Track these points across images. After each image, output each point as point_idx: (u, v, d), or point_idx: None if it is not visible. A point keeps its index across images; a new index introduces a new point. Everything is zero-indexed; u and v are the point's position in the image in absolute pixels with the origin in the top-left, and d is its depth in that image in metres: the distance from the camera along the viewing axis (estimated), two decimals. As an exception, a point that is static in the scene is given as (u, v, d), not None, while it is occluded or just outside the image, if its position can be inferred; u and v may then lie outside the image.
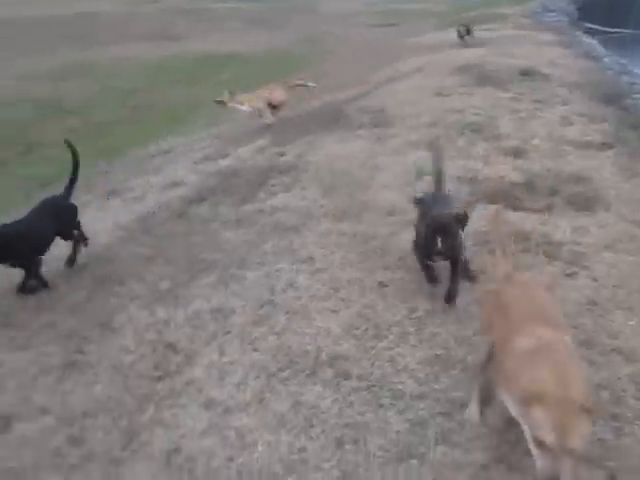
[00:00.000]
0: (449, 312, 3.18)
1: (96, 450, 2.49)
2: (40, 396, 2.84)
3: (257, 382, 2.78)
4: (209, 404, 2.67)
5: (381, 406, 2.63)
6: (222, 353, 2.97)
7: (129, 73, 14.16)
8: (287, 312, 3.26)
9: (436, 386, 2.74)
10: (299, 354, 2.94)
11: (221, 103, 7.54)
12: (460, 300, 3.25)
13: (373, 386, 2.74)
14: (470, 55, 11.02)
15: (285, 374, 2.82)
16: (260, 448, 2.42)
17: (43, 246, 4.00)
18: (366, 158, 5.44)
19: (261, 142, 6.66)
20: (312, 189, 4.86)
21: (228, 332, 3.13)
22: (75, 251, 4.23)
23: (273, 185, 5.05)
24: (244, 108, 7.54)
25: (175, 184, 5.68)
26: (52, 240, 4.06)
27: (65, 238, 4.21)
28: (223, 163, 6.06)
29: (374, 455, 2.41)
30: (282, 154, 5.89)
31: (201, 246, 4.10)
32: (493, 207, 4.45)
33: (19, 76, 14.01)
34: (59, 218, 4.12)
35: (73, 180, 4.33)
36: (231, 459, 2.39)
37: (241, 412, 2.61)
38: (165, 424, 2.59)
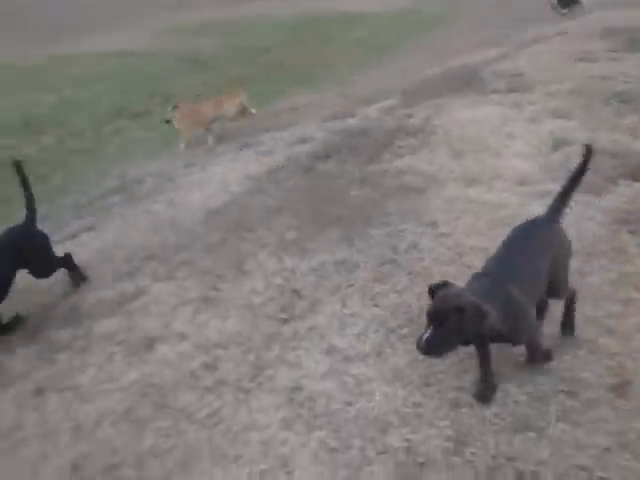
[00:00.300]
0: (582, 290, 3.03)
1: (227, 378, 2.73)
2: (179, 324, 3.15)
3: (376, 335, 2.86)
4: (330, 350, 2.80)
5: (500, 375, 2.60)
6: (344, 305, 3.08)
7: (262, 30, 14.53)
8: (409, 273, 3.29)
9: (561, 364, 2.65)
10: (419, 314, 2.97)
11: (169, 122, 7.09)
12: (595, 279, 3.08)
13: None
14: (620, 16, 9.98)
15: (404, 331, 2.88)
16: (377, 397, 2.52)
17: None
18: (499, 124, 5.20)
19: (390, 102, 6.59)
20: (440, 153, 4.77)
21: (351, 285, 3.23)
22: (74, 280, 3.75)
23: (400, 147, 5.02)
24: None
25: (303, 140, 5.82)
26: (11, 283, 3.38)
27: (37, 276, 3.59)
28: (351, 122, 6.10)
29: (489, 421, 2.41)
30: (410, 116, 5.80)
31: (326, 201, 4.21)
32: (638, 184, 4.12)
33: (161, 31, 14.93)
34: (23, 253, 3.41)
35: (30, 201, 3.62)
36: (349, 404, 2.50)
37: (360, 361, 2.71)
38: (289, 363, 2.77)
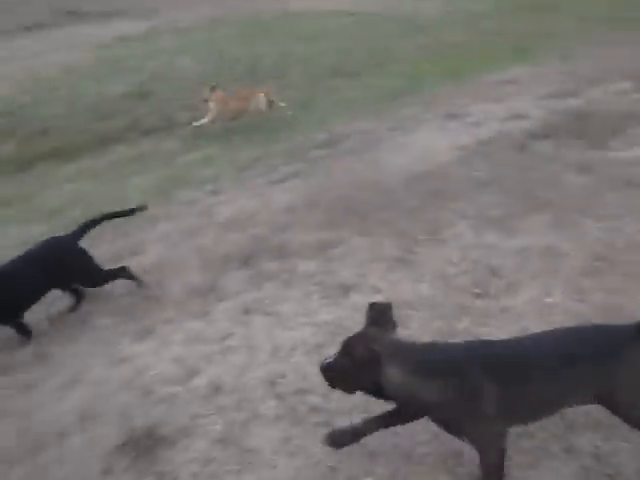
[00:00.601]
0: None
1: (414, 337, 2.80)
2: (373, 277, 3.29)
3: (577, 331, 2.69)
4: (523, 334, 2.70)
5: None
6: (546, 293, 2.94)
7: (484, -4, 13.85)
8: (624, 273, 3.00)
9: None
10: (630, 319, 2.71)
11: (206, 102, 7.14)
12: None
13: None
14: None
15: (609, 334, 2.66)
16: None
17: (27, 302, 3.40)
18: None
19: (621, 85, 5.93)
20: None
21: (555, 274, 3.06)
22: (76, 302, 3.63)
23: (633, 135, 4.51)
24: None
25: (517, 116, 5.54)
26: (43, 294, 3.46)
27: (63, 289, 3.59)
28: (573, 102, 5.63)
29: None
30: (649, 102, 5.17)
31: (538, 183, 3.99)
32: None
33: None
34: (58, 266, 3.41)
35: (94, 223, 3.64)
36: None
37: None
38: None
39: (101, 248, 4.30)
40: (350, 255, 3.54)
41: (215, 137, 7.08)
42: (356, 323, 2.91)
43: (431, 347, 1.91)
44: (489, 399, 1.78)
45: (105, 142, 7.43)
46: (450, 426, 1.93)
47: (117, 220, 4.89)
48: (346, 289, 3.21)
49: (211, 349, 2.92)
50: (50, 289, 3.48)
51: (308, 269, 3.46)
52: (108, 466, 2.42)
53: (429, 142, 5.35)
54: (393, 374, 1.80)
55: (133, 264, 3.99)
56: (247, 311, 3.18)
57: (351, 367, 1.87)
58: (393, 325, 1.97)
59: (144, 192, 5.62)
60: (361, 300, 3.11)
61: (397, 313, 2.90)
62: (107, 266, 3.72)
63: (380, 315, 1.97)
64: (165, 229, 4.58)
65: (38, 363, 3.13)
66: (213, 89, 7.30)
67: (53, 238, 3.56)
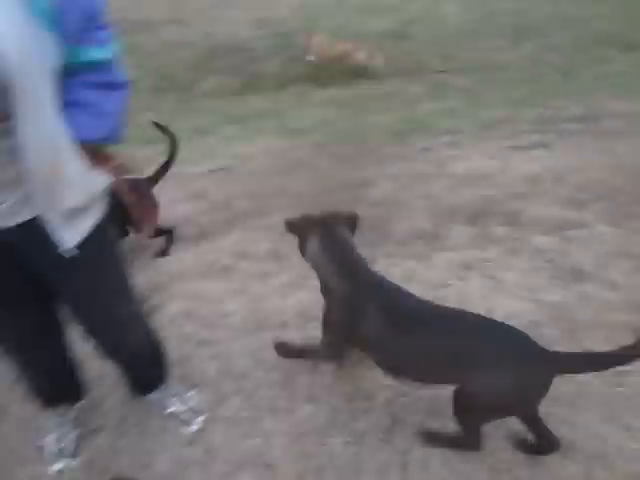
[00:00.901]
0: None
1: None
2: (613, 272, 2.98)
3: None
4: None
5: None
6: None
7: None
8: None
9: None
10: None
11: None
12: None
13: None
14: None
15: None
16: None
17: None
18: None
19: None
20: None
21: None
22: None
23: None
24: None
25: None
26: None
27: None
28: None
29: None
30: None
31: None
32: None
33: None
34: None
35: (167, 165, 3.50)
36: None
37: None
38: None
39: (334, 180, 4.59)
40: (592, 242, 3.26)
41: (463, 90, 6.91)
42: (583, 314, 2.75)
43: (360, 257, 2.08)
44: (366, 320, 1.94)
45: (354, 76, 7.75)
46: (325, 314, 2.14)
47: (348, 153, 5.20)
48: (580, 275, 2.99)
49: (425, 292, 2.94)
50: None
51: (540, 244, 3.28)
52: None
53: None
54: (311, 247, 2.09)
55: (363, 195, 4.21)
56: (468, 267, 3.15)
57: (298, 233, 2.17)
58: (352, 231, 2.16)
59: (382, 129, 5.80)
60: (595, 292, 2.88)
61: (630, 318, 2.69)
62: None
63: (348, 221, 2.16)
64: (397, 170, 4.70)
65: (271, 259, 3.53)
66: (310, 36, 7.88)
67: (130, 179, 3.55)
